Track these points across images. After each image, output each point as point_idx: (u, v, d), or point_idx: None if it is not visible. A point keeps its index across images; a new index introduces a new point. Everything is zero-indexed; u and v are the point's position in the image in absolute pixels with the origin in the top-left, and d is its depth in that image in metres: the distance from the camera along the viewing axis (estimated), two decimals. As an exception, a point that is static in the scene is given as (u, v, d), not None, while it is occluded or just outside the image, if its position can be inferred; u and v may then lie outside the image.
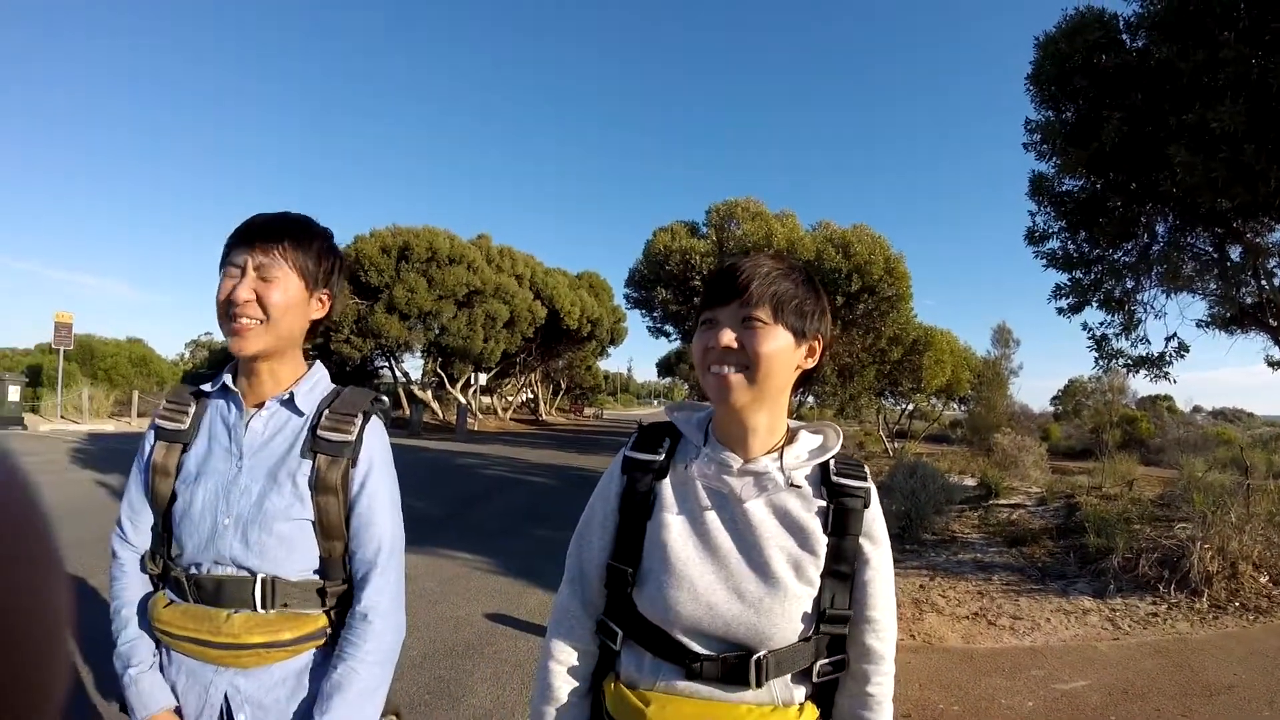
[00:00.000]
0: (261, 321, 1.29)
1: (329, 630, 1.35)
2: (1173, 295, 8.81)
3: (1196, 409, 38.96)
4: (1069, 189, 8.87)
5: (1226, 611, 5.21)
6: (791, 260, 1.18)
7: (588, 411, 58.45)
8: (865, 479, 1.19)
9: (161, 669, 1.36)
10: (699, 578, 1.11)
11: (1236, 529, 5.81)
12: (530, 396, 43.79)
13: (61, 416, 20.04)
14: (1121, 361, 9.00)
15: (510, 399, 40.45)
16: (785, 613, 1.09)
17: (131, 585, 1.41)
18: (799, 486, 1.16)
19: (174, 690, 1.33)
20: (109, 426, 19.36)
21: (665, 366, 57.57)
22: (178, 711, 1.34)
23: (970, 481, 12.36)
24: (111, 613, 1.40)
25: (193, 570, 1.31)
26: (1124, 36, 7.70)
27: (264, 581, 1.29)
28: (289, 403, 1.38)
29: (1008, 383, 23.32)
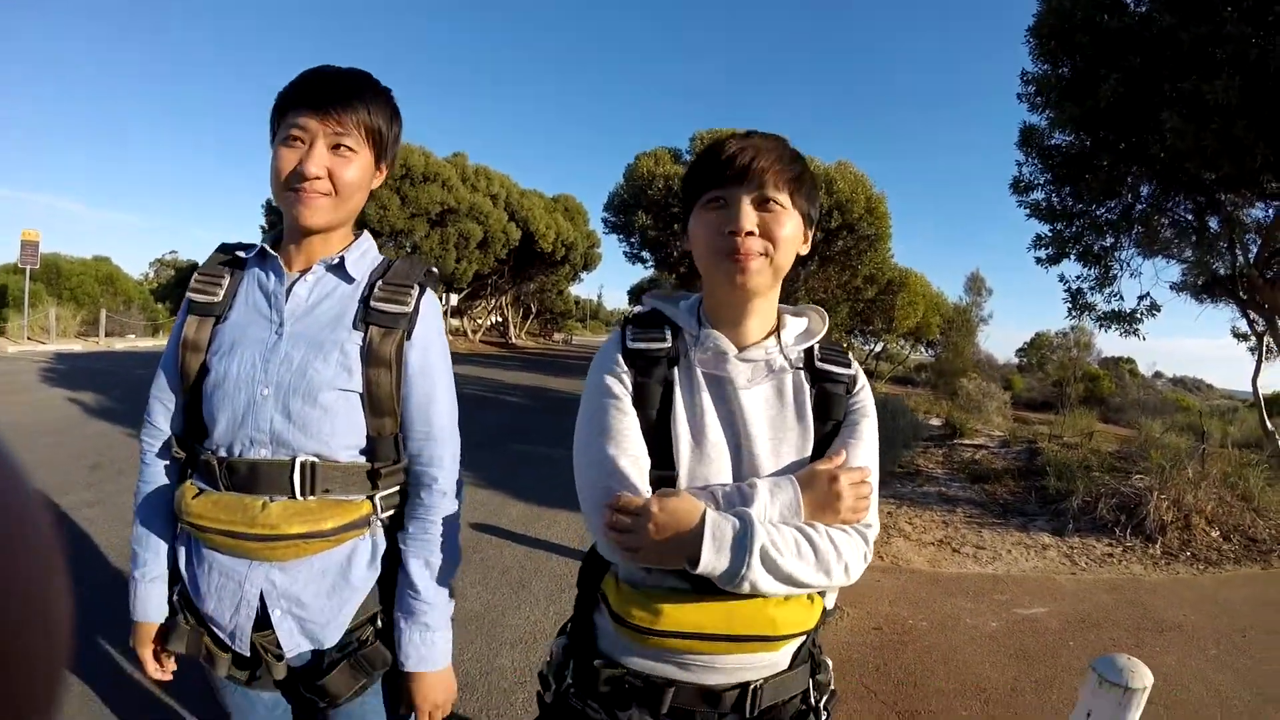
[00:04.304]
0: (330, 196, 1.19)
1: (373, 518, 1.25)
2: (1149, 257, 9.09)
3: (1158, 374, 39.82)
4: (1058, 143, 8.95)
5: (1179, 559, 5.52)
6: (789, 142, 1.13)
7: (557, 337, 58.44)
8: (849, 365, 1.17)
9: (189, 567, 1.26)
10: (695, 472, 1.06)
11: (1192, 484, 6.12)
12: (500, 319, 43.49)
13: (28, 338, 19.44)
14: (1094, 315, 9.25)
15: (480, 321, 40.14)
16: None
17: (155, 477, 1.31)
18: (796, 369, 1.13)
19: (205, 590, 1.23)
20: (76, 346, 18.84)
21: (637, 294, 57.35)
22: (164, 631, 1.30)
23: (936, 421, 12.73)
24: (134, 502, 1.32)
25: (224, 453, 1.20)
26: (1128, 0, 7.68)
27: (304, 465, 1.17)
28: (338, 268, 1.27)
29: (976, 330, 23.73)
